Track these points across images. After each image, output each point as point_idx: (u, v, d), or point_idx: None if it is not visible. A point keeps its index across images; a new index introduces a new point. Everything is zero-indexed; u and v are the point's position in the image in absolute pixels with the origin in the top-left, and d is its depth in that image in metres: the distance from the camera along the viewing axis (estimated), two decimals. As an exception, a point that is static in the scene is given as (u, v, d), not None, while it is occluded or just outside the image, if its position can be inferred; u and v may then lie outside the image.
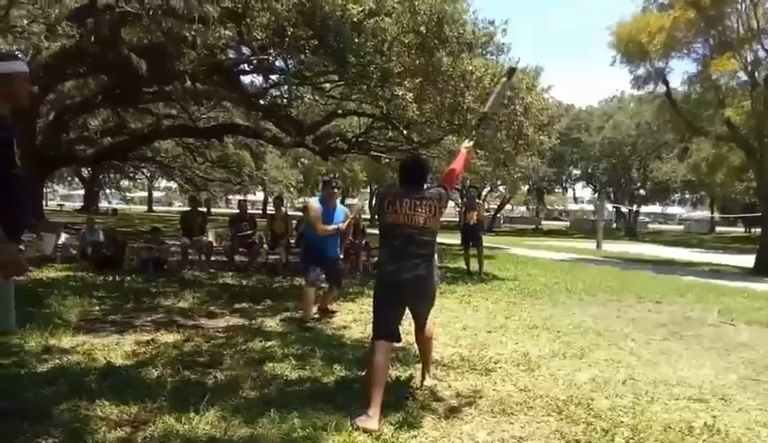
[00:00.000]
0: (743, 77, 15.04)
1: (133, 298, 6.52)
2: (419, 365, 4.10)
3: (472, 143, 4.06)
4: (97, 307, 5.95)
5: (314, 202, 5.80)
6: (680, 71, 20.26)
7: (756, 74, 14.50)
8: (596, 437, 3.03)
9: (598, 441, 2.99)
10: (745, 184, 23.85)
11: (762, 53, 14.45)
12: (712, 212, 46.48)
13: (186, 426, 2.85)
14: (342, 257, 6.38)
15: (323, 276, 5.99)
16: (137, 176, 40.46)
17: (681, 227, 52.42)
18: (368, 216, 37.39)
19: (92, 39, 9.42)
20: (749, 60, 14.43)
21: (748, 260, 15.79)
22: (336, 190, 5.87)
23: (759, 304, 8.23)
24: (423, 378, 3.84)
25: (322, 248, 5.74)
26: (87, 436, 2.70)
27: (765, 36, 14.11)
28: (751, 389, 4.05)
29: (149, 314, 5.78)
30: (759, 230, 18.35)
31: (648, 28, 14.62)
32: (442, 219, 3.66)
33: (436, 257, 3.59)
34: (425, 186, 3.52)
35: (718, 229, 48.77)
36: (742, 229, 45.99)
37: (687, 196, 47.20)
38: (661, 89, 16.80)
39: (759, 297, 8.98)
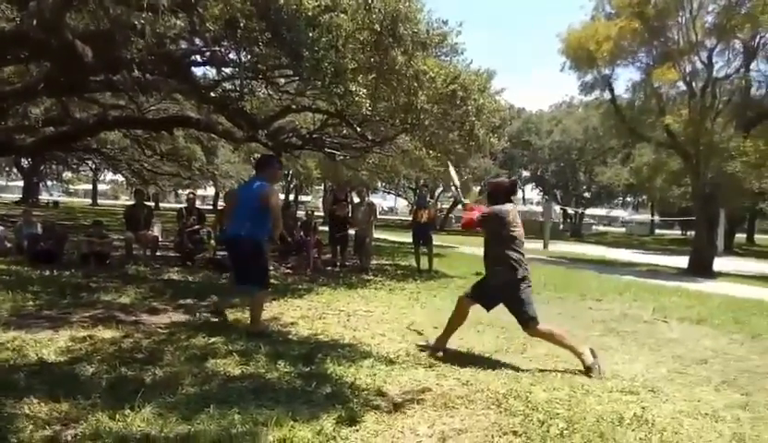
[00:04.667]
0: (682, 86, 15.78)
1: (71, 293, 6.27)
2: (364, 362, 4.17)
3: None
4: (31, 302, 5.70)
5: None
6: (625, 79, 21.27)
7: (694, 84, 15.24)
8: (532, 428, 3.13)
9: (534, 432, 3.08)
10: (682, 188, 25.02)
11: (699, 65, 15.22)
12: (652, 215, 48.60)
13: (119, 424, 2.77)
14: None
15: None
16: (80, 168, 38.85)
17: (624, 229, 54.58)
18: (322, 214, 37.22)
19: (34, 23, 8.98)
20: (687, 70, 15.16)
21: (683, 261, 16.60)
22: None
23: (690, 302, 8.67)
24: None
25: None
26: (11, 435, 2.59)
27: (703, 49, 14.87)
28: (678, 382, 4.27)
29: (87, 309, 5.57)
30: (694, 232, 19.29)
31: (596, 36, 15.12)
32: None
33: None
34: None
35: (657, 231, 51.07)
36: (679, 231, 48.31)
37: (629, 199, 49.17)
38: (607, 95, 17.43)
39: (691, 296, 9.46)
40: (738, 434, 3.22)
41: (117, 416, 2.84)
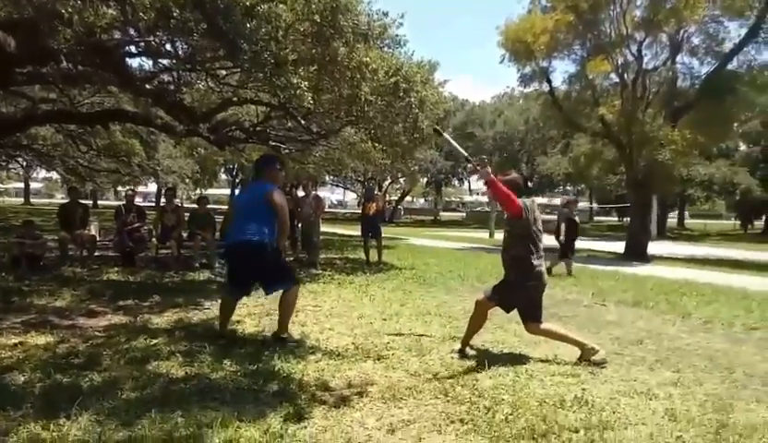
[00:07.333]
0: (615, 78, 16.46)
1: (0, 298, 5.93)
2: (312, 357, 4.16)
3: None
4: (-46, 310, 5.35)
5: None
6: (562, 71, 21.95)
7: (625, 75, 15.90)
8: (479, 415, 3.20)
9: (480, 419, 3.15)
10: (618, 176, 26.11)
11: (630, 57, 15.88)
12: (590, 203, 50.60)
13: (54, 433, 2.65)
14: None
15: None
16: (10, 165, 36.61)
17: (565, 216, 56.44)
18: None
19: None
20: (619, 63, 15.80)
21: (620, 246, 17.36)
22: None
23: (626, 285, 9.09)
24: None
25: None
26: (-67, 452, 2.43)
27: (632, 41, 15.52)
28: (616, 363, 4.46)
29: (18, 315, 5.28)
30: (629, 219, 20.21)
31: (533, 29, 15.51)
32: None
33: None
34: None
35: (596, 218, 53.20)
36: (616, 218, 50.51)
37: (569, 187, 50.90)
38: (545, 87, 17.90)
39: (627, 280, 9.92)
40: (669, 410, 3.40)
41: (51, 426, 2.71)
